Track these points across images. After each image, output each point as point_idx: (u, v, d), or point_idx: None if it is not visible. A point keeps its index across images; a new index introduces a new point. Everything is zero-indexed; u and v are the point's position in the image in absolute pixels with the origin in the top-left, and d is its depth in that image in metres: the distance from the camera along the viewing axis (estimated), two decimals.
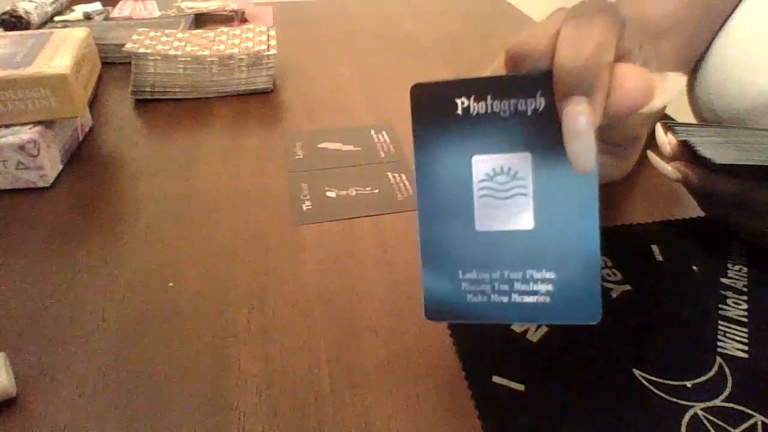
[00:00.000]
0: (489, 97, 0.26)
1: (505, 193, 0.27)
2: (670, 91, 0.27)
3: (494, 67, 0.29)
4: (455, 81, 0.26)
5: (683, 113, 0.58)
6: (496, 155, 0.27)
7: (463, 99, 0.26)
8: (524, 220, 0.27)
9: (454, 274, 0.28)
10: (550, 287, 0.27)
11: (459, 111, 0.27)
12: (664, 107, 0.29)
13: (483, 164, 0.27)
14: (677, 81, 0.27)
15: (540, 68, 0.25)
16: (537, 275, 0.27)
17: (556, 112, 0.25)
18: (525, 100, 0.26)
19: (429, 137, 0.27)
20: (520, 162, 0.26)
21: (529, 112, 0.26)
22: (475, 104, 0.26)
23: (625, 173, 0.38)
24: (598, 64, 0.24)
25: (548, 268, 0.27)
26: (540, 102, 0.26)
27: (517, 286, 0.27)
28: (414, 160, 0.28)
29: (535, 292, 0.27)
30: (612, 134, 0.32)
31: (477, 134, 0.27)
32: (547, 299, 0.27)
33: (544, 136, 0.26)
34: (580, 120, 0.24)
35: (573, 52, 0.24)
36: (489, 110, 0.26)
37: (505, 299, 0.28)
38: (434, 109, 0.27)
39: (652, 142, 0.41)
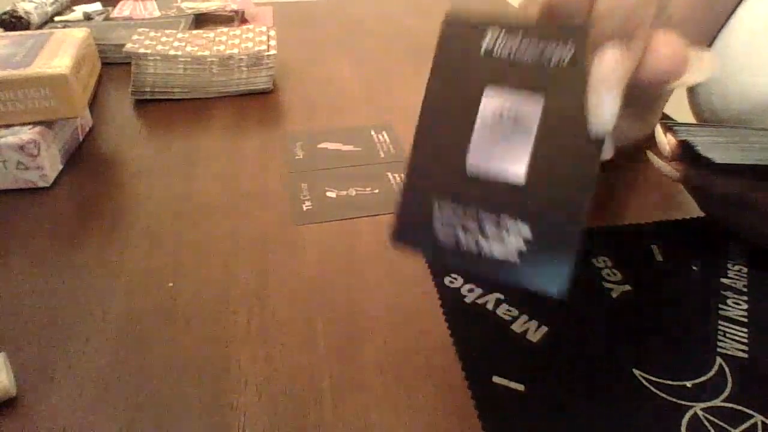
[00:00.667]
0: (516, 42, 0.26)
1: (506, 137, 0.26)
2: (704, 70, 0.26)
3: (524, 12, 0.28)
4: (486, 20, 0.26)
5: (683, 113, 0.58)
6: (508, 97, 0.26)
7: (489, 39, 0.26)
8: (517, 168, 0.26)
9: (430, 201, 0.27)
10: (521, 245, 0.26)
11: (482, 51, 0.26)
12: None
13: (492, 103, 0.26)
14: (712, 62, 0.27)
15: (575, 21, 0.25)
16: (512, 225, 0.26)
17: (580, 67, 0.24)
18: (552, 50, 0.25)
19: (447, 69, 0.27)
20: (529, 109, 0.26)
21: (553, 63, 0.25)
22: (501, 45, 0.26)
23: (644, 135, 0.37)
24: (639, 16, 0.23)
25: (524, 222, 0.26)
26: (567, 54, 0.25)
27: (489, 230, 0.26)
28: (426, 86, 0.27)
29: (504, 244, 0.26)
30: (636, 96, 0.31)
31: (495, 75, 0.26)
32: (516, 258, 0.26)
33: (562, 90, 0.25)
34: (611, 69, 0.23)
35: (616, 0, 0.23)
36: (513, 54, 0.26)
37: (473, 245, 0.26)
38: (459, 43, 0.27)
39: (651, 142, 0.41)
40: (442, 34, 0.27)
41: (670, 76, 0.24)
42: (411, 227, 0.28)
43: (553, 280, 0.25)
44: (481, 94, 0.27)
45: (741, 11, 0.52)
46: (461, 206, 0.27)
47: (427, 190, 0.28)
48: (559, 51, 0.25)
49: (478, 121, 0.27)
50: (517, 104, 0.26)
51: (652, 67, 0.24)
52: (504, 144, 0.26)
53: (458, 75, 0.27)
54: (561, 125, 0.25)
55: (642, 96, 0.32)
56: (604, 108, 0.24)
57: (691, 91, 0.57)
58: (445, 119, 0.27)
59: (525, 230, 0.26)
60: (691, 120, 0.60)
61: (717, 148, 0.37)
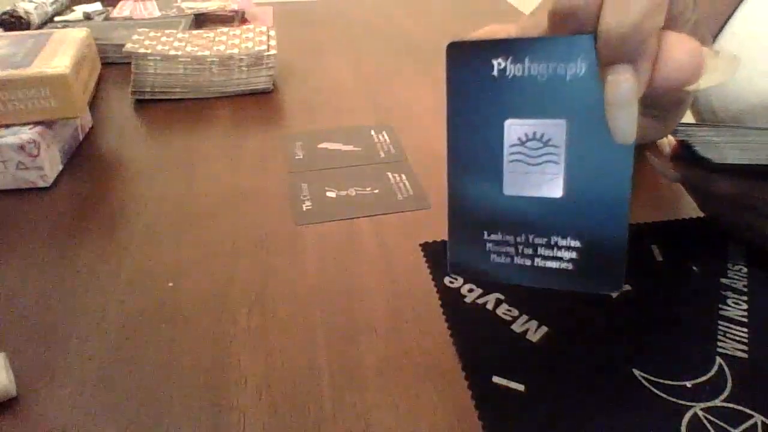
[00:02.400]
0: (527, 60, 0.25)
1: (536, 159, 0.26)
2: (722, 72, 0.25)
3: (530, 24, 0.27)
4: (493, 41, 0.26)
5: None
6: (530, 120, 0.26)
7: (500, 60, 0.26)
8: (553, 187, 0.26)
9: (479, 233, 0.28)
10: (573, 255, 0.27)
11: (495, 72, 0.26)
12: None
13: (516, 129, 0.26)
14: (732, 62, 0.26)
15: (583, 31, 0.24)
16: (562, 242, 0.27)
17: (596, 78, 0.24)
18: (565, 65, 0.25)
19: (463, 98, 0.27)
20: (554, 129, 0.26)
21: (568, 77, 0.25)
22: (512, 66, 0.26)
23: (665, 135, 0.37)
24: (647, 30, 0.22)
25: (573, 237, 0.27)
26: (581, 67, 0.25)
27: (541, 251, 0.27)
28: (447, 121, 0.27)
29: (558, 259, 0.27)
30: (656, 99, 0.31)
31: (512, 97, 0.26)
32: (570, 266, 0.27)
33: (582, 103, 0.25)
34: (623, 89, 0.23)
35: (620, 15, 0.22)
36: (526, 73, 0.25)
37: (528, 262, 0.28)
38: (469, 69, 0.26)
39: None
40: (449, 62, 0.27)
41: (685, 81, 0.24)
42: (465, 257, 0.29)
43: (608, 279, 0.27)
44: (503, 120, 0.26)
45: (739, 13, 0.52)
46: (511, 234, 0.28)
47: (473, 222, 0.28)
48: (572, 66, 0.25)
49: (505, 151, 0.27)
50: (541, 127, 0.26)
51: (665, 76, 0.23)
52: (536, 168, 0.27)
53: (475, 102, 0.27)
54: (589, 138, 0.25)
55: (662, 100, 0.31)
56: (622, 125, 0.24)
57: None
58: (473, 150, 0.27)
59: (575, 243, 0.27)
60: (691, 120, 0.60)
61: (715, 149, 0.37)
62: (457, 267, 0.29)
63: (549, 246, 0.27)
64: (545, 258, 0.27)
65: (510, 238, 0.28)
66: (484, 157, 0.27)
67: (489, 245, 0.28)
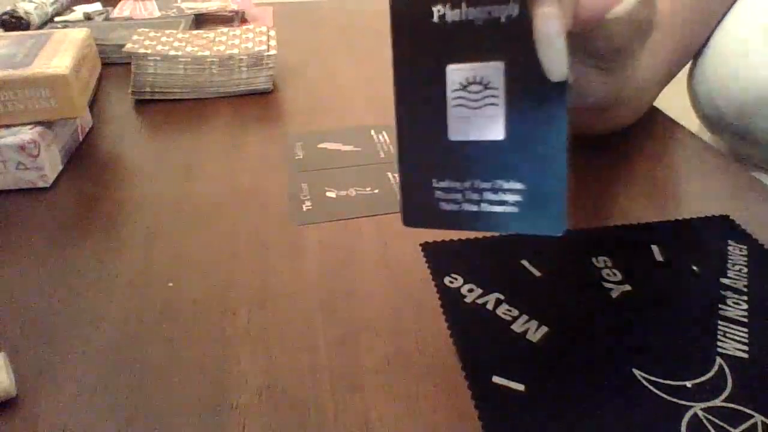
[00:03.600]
0: (464, 4, 0.26)
1: (478, 103, 0.27)
2: None
3: None
4: None
5: (684, 109, 0.58)
6: (470, 65, 0.27)
7: (439, 6, 0.27)
8: (495, 130, 0.27)
9: (428, 182, 0.29)
10: (518, 198, 0.27)
11: (435, 19, 0.27)
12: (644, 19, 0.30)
13: (457, 73, 0.27)
14: None
15: None
16: (505, 185, 0.27)
17: (530, 19, 0.25)
18: (499, 7, 0.26)
19: (406, 47, 0.28)
20: (492, 71, 0.27)
21: (503, 20, 0.26)
22: (451, 12, 0.26)
23: (615, 94, 0.37)
24: None
25: (517, 179, 0.27)
26: (514, 9, 0.26)
27: (486, 195, 0.28)
28: (393, 70, 0.28)
29: (503, 203, 0.28)
30: (595, 45, 0.32)
31: (452, 43, 0.27)
32: (515, 209, 0.27)
33: (517, 44, 0.26)
34: (550, 23, 0.24)
35: None
36: (464, 18, 0.26)
37: (475, 208, 0.28)
38: (412, 18, 0.27)
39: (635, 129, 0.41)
40: (392, 11, 0.28)
41: (605, 10, 0.26)
42: (416, 207, 0.29)
43: (550, 221, 0.27)
44: (444, 65, 0.27)
45: (738, 6, 0.52)
46: (457, 180, 0.28)
47: (421, 170, 0.29)
48: (505, 9, 0.26)
49: (448, 95, 0.27)
50: (480, 70, 0.27)
51: (587, 5, 0.25)
52: (478, 112, 0.27)
53: (418, 49, 0.27)
54: (525, 78, 0.26)
55: (600, 46, 0.32)
56: (552, 60, 0.25)
57: (691, 88, 0.57)
58: (418, 97, 0.28)
59: (518, 185, 0.27)
60: (693, 120, 0.60)
61: None
62: (411, 219, 0.30)
63: (493, 190, 0.28)
64: (491, 203, 0.28)
65: (457, 185, 0.28)
66: (429, 103, 0.28)
67: (438, 193, 0.29)
